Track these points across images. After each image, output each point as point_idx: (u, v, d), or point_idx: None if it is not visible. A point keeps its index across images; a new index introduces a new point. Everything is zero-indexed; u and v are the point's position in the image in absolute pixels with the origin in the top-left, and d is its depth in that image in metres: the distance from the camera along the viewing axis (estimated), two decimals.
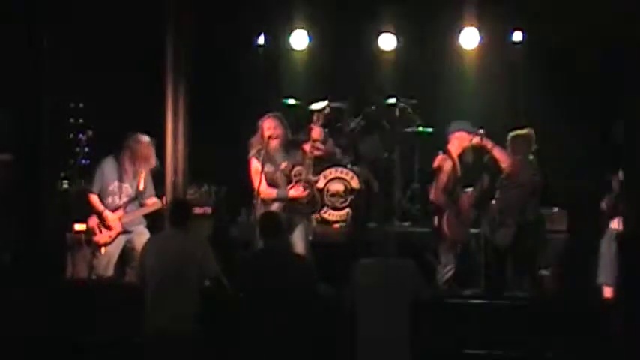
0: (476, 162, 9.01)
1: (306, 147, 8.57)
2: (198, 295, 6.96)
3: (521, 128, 9.02)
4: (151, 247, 7.23)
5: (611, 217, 8.63)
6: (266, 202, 8.50)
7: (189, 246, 7.02)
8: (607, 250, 8.50)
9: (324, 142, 8.67)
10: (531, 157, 8.93)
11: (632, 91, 7.78)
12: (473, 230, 9.10)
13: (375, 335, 6.72)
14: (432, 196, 8.93)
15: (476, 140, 8.82)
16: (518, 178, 8.83)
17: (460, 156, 8.94)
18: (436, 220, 8.85)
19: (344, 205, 9.87)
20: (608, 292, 8.39)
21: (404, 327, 6.73)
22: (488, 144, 8.82)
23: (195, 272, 6.94)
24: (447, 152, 8.91)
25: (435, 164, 8.91)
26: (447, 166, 8.85)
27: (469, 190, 8.97)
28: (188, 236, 7.12)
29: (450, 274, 8.76)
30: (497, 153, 8.81)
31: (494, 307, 7.79)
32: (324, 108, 8.64)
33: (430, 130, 10.24)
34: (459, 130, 8.93)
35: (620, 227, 8.15)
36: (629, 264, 7.05)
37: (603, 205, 8.82)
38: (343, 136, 10.08)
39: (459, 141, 8.93)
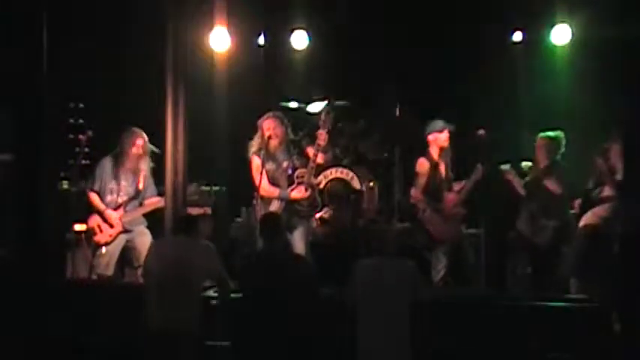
0: (471, 152, 9.07)
1: (310, 150, 8.58)
2: (200, 297, 6.95)
3: (552, 130, 9.03)
4: (153, 251, 7.23)
5: (581, 215, 8.68)
6: (266, 201, 8.51)
7: (192, 250, 6.98)
8: (577, 245, 8.56)
9: (326, 151, 8.69)
10: (559, 158, 8.95)
11: (632, 91, 7.78)
12: (471, 230, 9.13)
13: (375, 335, 6.72)
14: (412, 198, 9.08)
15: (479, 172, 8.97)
16: (550, 183, 8.86)
17: (441, 156, 9.11)
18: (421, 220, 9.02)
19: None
20: (574, 287, 8.43)
21: (404, 327, 6.73)
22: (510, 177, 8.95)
23: (196, 275, 6.92)
24: (427, 155, 9.08)
25: (416, 167, 9.09)
26: (425, 167, 9.05)
27: (462, 182, 9.02)
28: (191, 241, 7.09)
29: (442, 273, 8.82)
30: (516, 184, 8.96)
31: (494, 308, 7.79)
32: (328, 111, 8.64)
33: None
34: (432, 132, 9.06)
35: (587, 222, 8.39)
36: (629, 264, 7.05)
37: (575, 205, 8.86)
38: (343, 136, 10.07)
39: (435, 142, 9.13)
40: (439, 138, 9.09)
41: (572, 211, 9.00)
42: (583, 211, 8.69)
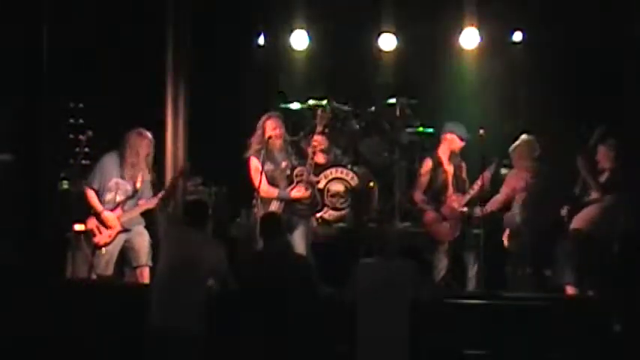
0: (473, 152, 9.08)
1: (309, 149, 8.58)
2: (204, 294, 6.94)
3: (522, 134, 9.01)
4: (164, 242, 7.18)
5: (570, 220, 8.61)
6: (266, 202, 8.50)
7: (202, 245, 6.94)
8: (568, 250, 8.49)
9: (327, 151, 8.69)
10: (533, 163, 8.92)
11: (632, 91, 7.80)
12: (475, 231, 9.13)
13: (375, 335, 6.72)
14: (414, 198, 9.13)
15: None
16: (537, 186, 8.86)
17: (450, 158, 9.09)
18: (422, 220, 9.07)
19: (344, 205, 9.85)
20: (570, 290, 8.38)
21: (404, 327, 6.73)
22: None
23: (203, 272, 6.90)
24: (433, 155, 9.08)
25: (421, 167, 9.13)
26: (427, 167, 9.06)
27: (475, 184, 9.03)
28: (203, 235, 7.05)
29: (442, 273, 8.83)
30: None
31: (494, 307, 7.79)
32: (324, 111, 8.65)
33: (430, 130, 10.24)
34: (450, 132, 9.04)
35: (576, 226, 8.34)
36: (629, 264, 7.04)
37: (564, 211, 8.77)
38: (343, 136, 10.07)
39: (449, 143, 9.11)
40: (455, 140, 9.05)
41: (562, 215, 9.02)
42: (571, 215, 8.64)
